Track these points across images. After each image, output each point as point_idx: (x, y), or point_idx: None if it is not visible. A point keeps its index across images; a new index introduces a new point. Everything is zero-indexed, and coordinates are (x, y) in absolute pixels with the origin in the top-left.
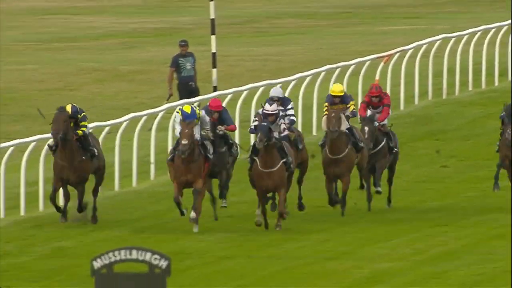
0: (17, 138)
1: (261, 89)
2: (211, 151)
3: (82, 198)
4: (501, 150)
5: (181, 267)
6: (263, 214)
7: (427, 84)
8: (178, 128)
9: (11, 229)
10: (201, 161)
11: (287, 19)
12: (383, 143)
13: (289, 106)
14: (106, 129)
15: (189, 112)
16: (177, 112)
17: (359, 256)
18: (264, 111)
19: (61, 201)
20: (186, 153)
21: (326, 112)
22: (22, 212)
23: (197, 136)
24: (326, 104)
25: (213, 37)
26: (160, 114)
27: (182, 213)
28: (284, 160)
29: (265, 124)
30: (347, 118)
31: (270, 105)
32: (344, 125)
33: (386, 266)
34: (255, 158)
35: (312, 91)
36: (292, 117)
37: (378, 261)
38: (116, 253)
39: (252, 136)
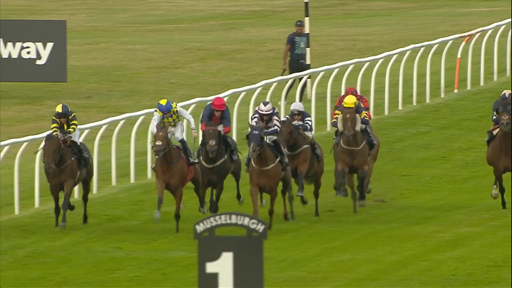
0: (126, 112)
1: (350, 67)
2: (193, 156)
3: (69, 195)
4: (493, 154)
5: (277, 231)
6: (256, 213)
7: (505, 62)
8: (154, 123)
9: (122, 195)
10: (183, 165)
11: (375, 1)
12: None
13: (307, 119)
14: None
15: (164, 105)
16: (155, 110)
17: (441, 221)
18: (259, 111)
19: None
20: (160, 153)
21: (336, 116)
22: (132, 180)
23: (179, 136)
24: (338, 112)
25: (307, 19)
26: (258, 90)
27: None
28: (279, 159)
29: (256, 132)
30: (364, 123)
31: (265, 105)
32: (359, 125)
33: (466, 231)
34: (250, 157)
35: (398, 68)
36: (307, 123)
37: (458, 226)
38: (217, 218)
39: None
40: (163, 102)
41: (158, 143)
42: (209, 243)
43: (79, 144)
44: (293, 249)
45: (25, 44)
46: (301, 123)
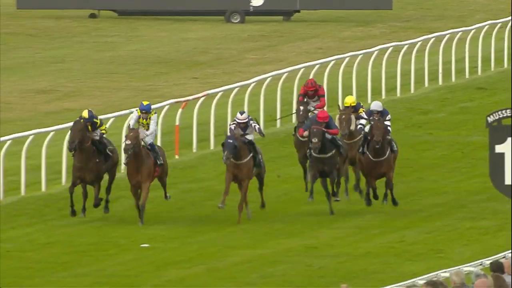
0: (436, 32)
1: None
2: (162, 158)
3: (98, 194)
4: None
5: None
6: (225, 194)
7: None
8: (131, 121)
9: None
10: (150, 165)
11: None
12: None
13: (387, 118)
14: (497, 27)
15: (145, 105)
16: (136, 110)
17: None
18: (237, 120)
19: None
20: (129, 151)
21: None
22: (412, 90)
23: (148, 141)
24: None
25: None
26: None
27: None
28: (251, 154)
29: (231, 141)
30: (359, 118)
31: (241, 114)
32: (354, 125)
33: None
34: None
35: None
36: (388, 127)
37: None
38: (504, 111)
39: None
40: (145, 102)
41: (127, 142)
42: (497, 130)
43: (101, 140)
44: None
45: None
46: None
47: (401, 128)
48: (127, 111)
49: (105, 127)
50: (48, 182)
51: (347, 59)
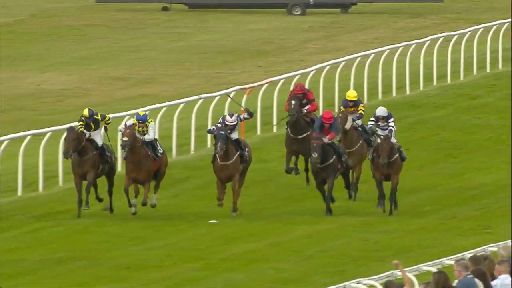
0: (484, 23)
1: None
2: (161, 151)
3: (90, 186)
4: None
5: None
6: (221, 199)
7: None
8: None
9: None
10: (150, 162)
11: None
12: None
13: (391, 120)
14: None
15: (141, 115)
16: (132, 118)
17: None
18: (226, 122)
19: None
20: (126, 148)
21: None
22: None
23: (148, 138)
24: (342, 107)
25: None
26: None
27: (130, 205)
28: (238, 153)
29: (223, 132)
30: (358, 117)
31: (231, 116)
32: (349, 124)
33: None
34: (216, 154)
35: None
36: (391, 127)
37: None
38: None
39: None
40: (141, 112)
41: (125, 138)
42: None
43: (101, 144)
44: None
45: None
46: (385, 124)
47: (451, 112)
48: (196, 97)
49: (109, 117)
50: (123, 161)
51: (401, 48)
